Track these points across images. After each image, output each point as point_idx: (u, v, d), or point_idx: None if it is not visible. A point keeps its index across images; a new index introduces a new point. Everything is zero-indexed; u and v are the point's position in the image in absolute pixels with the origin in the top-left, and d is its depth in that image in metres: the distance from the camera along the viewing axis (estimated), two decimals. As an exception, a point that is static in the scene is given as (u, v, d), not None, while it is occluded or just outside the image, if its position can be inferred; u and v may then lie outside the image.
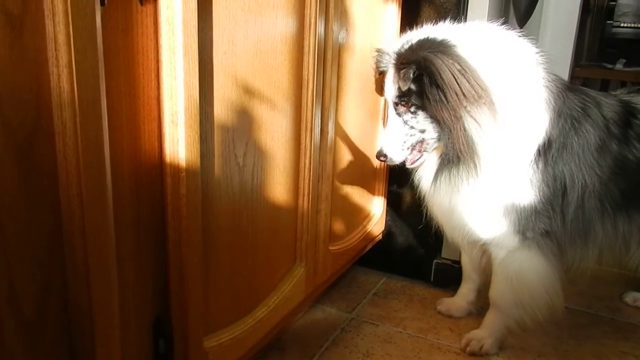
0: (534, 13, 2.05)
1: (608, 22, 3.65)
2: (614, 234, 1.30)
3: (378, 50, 1.30)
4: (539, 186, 1.22)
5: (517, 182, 1.22)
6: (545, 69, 1.21)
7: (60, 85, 0.63)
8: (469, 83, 1.11)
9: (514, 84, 1.18)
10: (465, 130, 1.14)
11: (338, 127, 1.33)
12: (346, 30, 1.28)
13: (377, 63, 1.30)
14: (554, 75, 1.24)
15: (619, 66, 3.32)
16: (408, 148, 1.25)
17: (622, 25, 3.59)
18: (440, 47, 1.15)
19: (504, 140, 1.19)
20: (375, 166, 1.60)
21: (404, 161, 1.27)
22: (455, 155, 1.16)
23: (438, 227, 1.42)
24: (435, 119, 1.17)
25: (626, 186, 1.25)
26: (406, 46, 1.20)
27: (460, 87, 1.11)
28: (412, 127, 1.22)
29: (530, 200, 1.22)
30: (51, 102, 0.63)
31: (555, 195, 1.23)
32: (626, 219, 1.29)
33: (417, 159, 1.27)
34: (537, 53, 1.21)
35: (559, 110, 1.21)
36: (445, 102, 1.12)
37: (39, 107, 0.62)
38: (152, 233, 0.84)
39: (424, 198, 1.38)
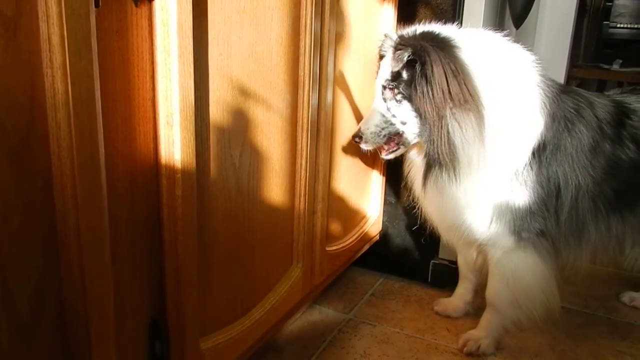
0: (530, 14, 2.05)
1: (605, 22, 3.67)
2: (608, 235, 1.30)
3: (385, 35, 1.30)
4: (534, 187, 1.22)
5: (512, 184, 1.22)
6: (541, 74, 1.22)
7: (55, 86, 0.63)
8: (458, 85, 1.11)
9: (513, 94, 1.19)
10: (447, 132, 1.14)
11: (334, 128, 1.33)
12: (342, 31, 1.28)
13: (380, 47, 1.30)
14: (549, 79, 1.24)
15: (615, 67, 3.33)
16: (385, 136, 1.24)
17: (618, 25, 3.61)
18: (441, 44, 1.15)
19: (499, 144, 1.19)
20: (372, 167, 1.60)
21: (379, 149, 1.27)
22: (436, 155, 1.16)
23: (433, 228, 1.43)
24: (419, 113, 1.17)
25: (619, 186, 1.26)
26: (410, 34, 1.20)
27: (448, 87, 1.11)
28: (394, 116, 1.22)
29: (525, 201, 1.23)
30: (45, 103, 0.63)
31: (549, 196, 1.23)
32: (619, 220, 1.29)
33: (393, 151, 1.27)
34: (535, 61, 1.22)
35: (553, 114, 1.21)
36: (431, 97, 1.12)
37: (33, 108, 0.62)
38: (148, 234, 0.84)
39: (417, 199, 1.38)
